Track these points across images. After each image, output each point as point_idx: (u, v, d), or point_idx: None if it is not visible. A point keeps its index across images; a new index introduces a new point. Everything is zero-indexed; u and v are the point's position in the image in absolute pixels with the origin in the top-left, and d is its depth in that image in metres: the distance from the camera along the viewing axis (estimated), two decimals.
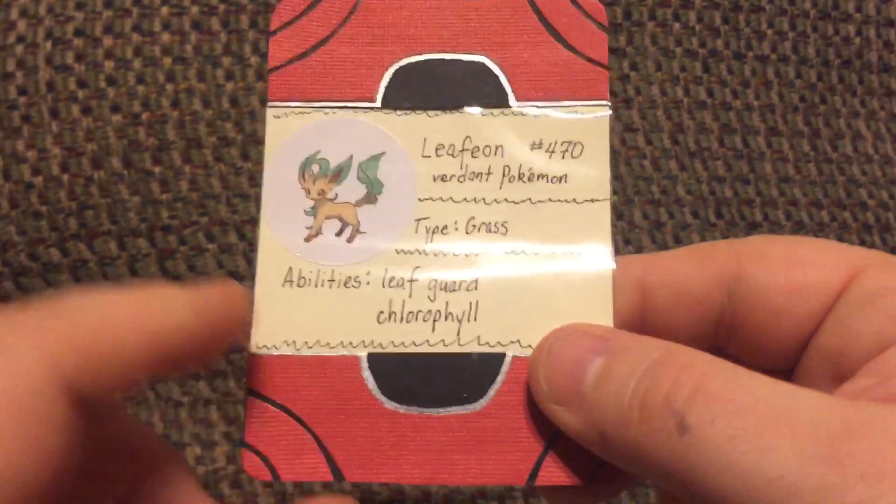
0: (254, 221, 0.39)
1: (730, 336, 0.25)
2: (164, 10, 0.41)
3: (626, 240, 0.42)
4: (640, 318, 0.24)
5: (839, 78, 0.46)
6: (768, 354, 0.24)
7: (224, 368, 0.39)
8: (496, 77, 0.25)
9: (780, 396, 0.19)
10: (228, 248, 0.39)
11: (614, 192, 0.42)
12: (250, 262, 0.39)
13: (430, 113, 0.25)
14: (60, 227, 0.39)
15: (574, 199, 0.25)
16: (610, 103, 0.25)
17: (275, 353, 0.24)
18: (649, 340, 0.21)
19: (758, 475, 0.18)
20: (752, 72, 0.45)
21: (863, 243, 0.44)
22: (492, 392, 0.23)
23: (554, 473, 0.23)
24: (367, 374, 0.24)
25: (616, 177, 0.42)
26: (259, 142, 0.40)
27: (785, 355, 0.24)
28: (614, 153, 0.42)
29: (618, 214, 0.42)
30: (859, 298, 0.23)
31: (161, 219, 0.39)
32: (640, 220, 0.42)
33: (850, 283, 0.23)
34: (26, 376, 0.17)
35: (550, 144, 0.25)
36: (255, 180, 0.40)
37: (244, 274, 0.39)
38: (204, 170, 0.40)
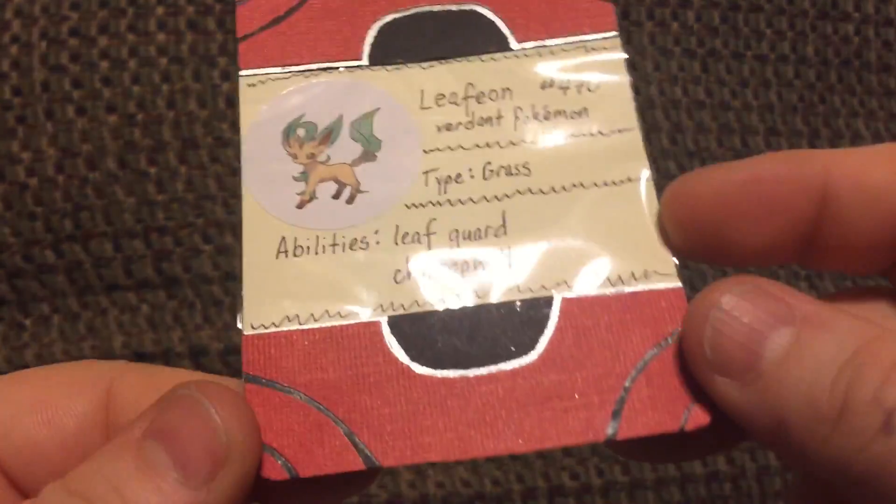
0: None
1: None
2: (160, 9, 0.41)
3: None
4: (810, 229, 0.20)
5: (838, 77, 0.46)
6: None
7: (220, 370, 0.38)
8: (491, 23, 0.23)
9: None
10: (224, 249, 0.39)
11: None
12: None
13: (424, 65, 0.23)
14: (55, 228, 0.39)
15: (600, 132, 0.22)
16: (618, 33, 0.23)
17: (274, 331, 0.21)
18: (850, 319, 0.18)
19: None
20: (751, 71, 0.44)
21: None
22: (544, 341, 0.20)
23: (638, 422, 0.19)
24: (390, 340, 0.20)
25: None
26: None
27: None
28: None
29: None
30: None
31: (157, 220, 0.39)
32: None
33: None
34: None
35: (563, 82, 0.23)
36: None
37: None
38: (200, 170, 0.39)
